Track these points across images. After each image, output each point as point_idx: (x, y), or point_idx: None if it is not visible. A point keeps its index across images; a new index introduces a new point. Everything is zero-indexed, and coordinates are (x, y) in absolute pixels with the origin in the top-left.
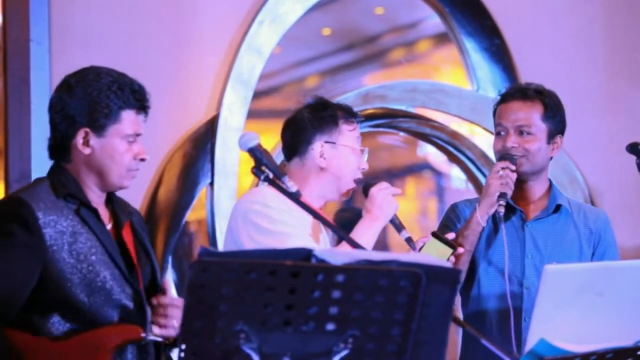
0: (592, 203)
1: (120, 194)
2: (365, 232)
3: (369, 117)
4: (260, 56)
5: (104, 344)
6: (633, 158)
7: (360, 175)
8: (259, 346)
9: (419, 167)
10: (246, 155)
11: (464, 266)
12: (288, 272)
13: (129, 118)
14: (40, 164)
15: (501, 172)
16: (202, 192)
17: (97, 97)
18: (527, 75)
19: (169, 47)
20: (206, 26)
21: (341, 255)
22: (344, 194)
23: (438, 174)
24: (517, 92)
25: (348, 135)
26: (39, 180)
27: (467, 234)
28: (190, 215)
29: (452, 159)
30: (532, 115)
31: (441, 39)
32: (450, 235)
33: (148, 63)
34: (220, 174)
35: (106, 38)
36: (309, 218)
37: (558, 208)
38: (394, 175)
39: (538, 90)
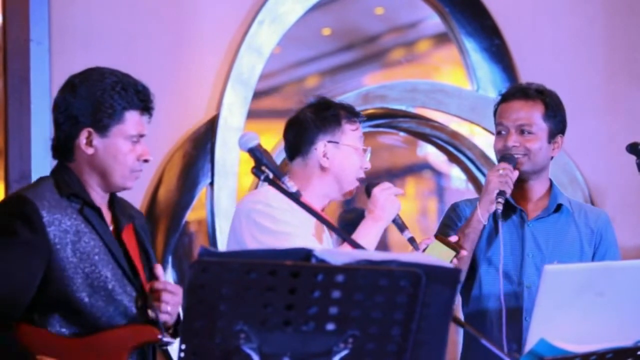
0: (592, 203)
1: (120, 193)
2: (368, 233)
3: (369, 117)
4: (260, 56)
5: (122, 344)
6: (633, 158)
7: (363, 175)
8: (259, 346)
9: (419, 167)
10: (246, 155)
11: (464, 266)
12: (288, 272)
13: (132, 119)
14: (40, 164)
15: (501, 171)
16: (202, 192)
17: (101, 97)
18: (527, 75)
19: (169, 47)
20: (206, 26)
21: (341, 255)
22: (347, 194)
23: (438, 174)
24: (518, 92)
25: (351, 134)
26: (42, 179)
27: (468, 232)
28: (190, 215)
29: (452, 159)
30: (533, 114)
31: (441, 39)
32: (454, 238)
33: (148, 63)
34: (220, 174)
35: (106, 38)
36: (312, 218)
37: (559, 208)
38: (394, 175)
39: (539, 89)
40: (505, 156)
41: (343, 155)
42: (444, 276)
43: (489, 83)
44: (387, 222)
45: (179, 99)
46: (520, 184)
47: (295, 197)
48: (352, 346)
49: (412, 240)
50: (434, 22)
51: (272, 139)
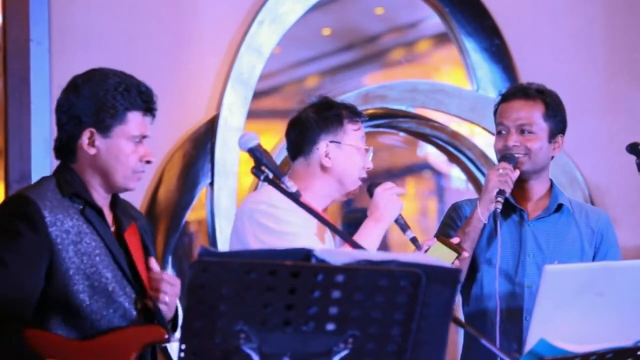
0: (592, 203)
1: (121, 194)
2: (370, 233)
3: (369, 117)
4: (260, 56)
5: (129, 345)
6: (633, 158)
7: (365, 175)
8: (259, 346)
9: (419, 167)
10: (246, 155)
11: (464, 266)
12: (288, 272)
13: (135, 119)
14: (40, 164)
15: (501, 171)
16: (202, 192)
17: (104, 97)
18: (527, 75)
19: (169, 47)
20: (206, 26)
21: (341, 255)
22: (349, 194)
23: (438, 174)
24: (518, 92)
25: (353, 134)
26: (44, 179)
27: (469, 230)
28: (190, 215)
29: (452, 159)
30: (533, 114)
31: (441, 39)
32: (455, 240)
33: (148, 63)
34: (220, 174)
35: (106, 38)
36: (314, 218)
37: (559, 207)
38: (394, 175)
39: (539, 89)
40: (505, 156)
41: (345, 155)
42: (444, 276)
43: (489, 83)
44: (389, 222)
45: (179, 99)
46: (521, 184)
47: (294, 197)
48: (352, 346)
49: (414, 240)
50: (434, 22)
51: (272, 139)
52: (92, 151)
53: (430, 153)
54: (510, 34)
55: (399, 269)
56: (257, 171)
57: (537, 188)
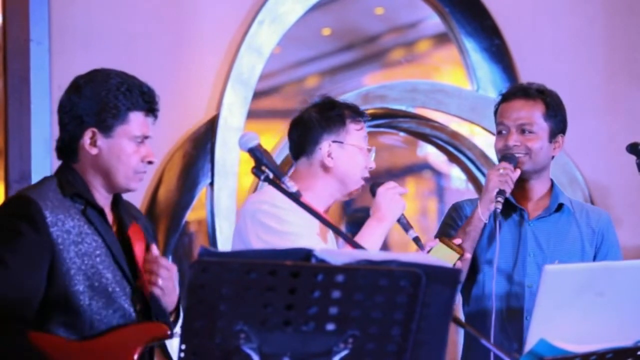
0: (592, 203)
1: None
2: (373, 232)
3: (369, 117)
4: (260, 56)
5: (132, 343)
6: (633, 158)
7: (367, 175)
8: (259, 346)
9: (419, 167)
10: (246, 155)
11: (465, 266)
12: (288, 272)
13: (137, 119)
14: (40, 164)
15: (502, 171)
16: (202, 192)
17: (106, 97)
18: (527, 75)
19: (169, 47)
20: (206, 26)
21: (341, 255)
22: (351, 193)
23: (438, 174)
24: (519, 91)
25: (355, 134)
26: (46, 179)
27: (469, 230)
28: (190, 215)
29: (452, 159)
30: (534, 113)
31: (441, 39)
32: (457, 241)
33: (148, 63)
34: (220, 174)
35: (106, 38)
36: None
37: (560, 207)
38: (394, 175)
39: (540, 89)
40: (506, 155)
41: (348, 155)
42: (444, 276)
43: (489, 83)
44: (392, 222)
45: (179, 99)
46: (521, 184)
47: (295, 197)
48: (352, 346)
49: (417, 240)
50: (434, 22)
51: (272, 139)
52: (94, 151)
53: (430, 153)
54: (510, 34)
55: (399, 269)
56: (257, 171)
57: (538, 188)
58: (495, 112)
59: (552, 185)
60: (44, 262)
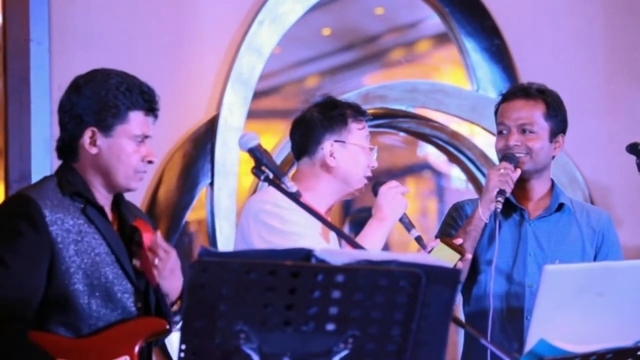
0: (592, 203)
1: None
2: (375, 232)
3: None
4: (260, 56)
5: (131, 338)
6: (633, 158)
7: (370, 174)
8: (259, 346)
9: (419, 167)
10: (246, 155)
11: (466, 266)
12: (288, 272)
13: (137, 119)
14: (40, 164)
15: (502, 170)
16: (202, 192)
17: (105, 96)
18: (527, 75)
19: (169, 47)
20: (206, 26)
21: (341, 255)
22: (354, 192)
23: (438, 174)
24: (519, 91)
25: (357, 134)
26: (46, 178)
27: (470, 229)
28: (190, 215)
29: (452, 159)
30: (534, 113)
31: (441, 39)
32: (458, 241)
33: (148, 63)
34: (220, 174)
35: (106, 38)
36: None
37: (560, 207)
38: (394, 175)
39: (540, 89)
40: (506, 155)
41: (350, 154)
42: (444, 276)
43: (489, 83)
44: (394, 221)
45: (179, 99)
46: (522, 184)
47: (295, 197)
48: (352, 346)
49: (419, 239)
50: (434, 22)
51: (272, 139)
52: (94, 150)
53: (430, 153)
54: (510, 34)
55: (399, 269)
56: (257, 171)
57: (538, 188)
58: (496, 112)
59: (553, 185)
60: (43, 262)
